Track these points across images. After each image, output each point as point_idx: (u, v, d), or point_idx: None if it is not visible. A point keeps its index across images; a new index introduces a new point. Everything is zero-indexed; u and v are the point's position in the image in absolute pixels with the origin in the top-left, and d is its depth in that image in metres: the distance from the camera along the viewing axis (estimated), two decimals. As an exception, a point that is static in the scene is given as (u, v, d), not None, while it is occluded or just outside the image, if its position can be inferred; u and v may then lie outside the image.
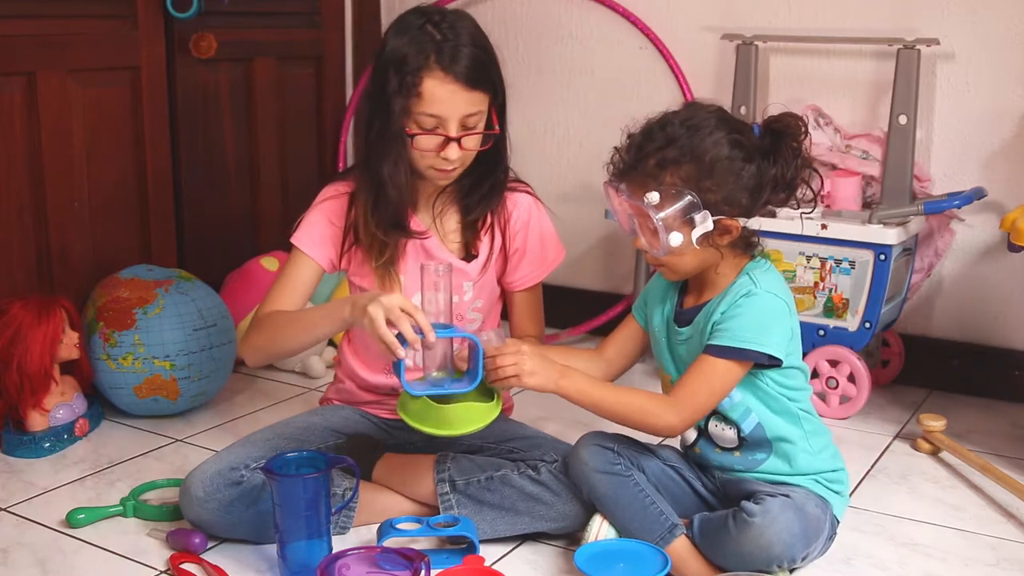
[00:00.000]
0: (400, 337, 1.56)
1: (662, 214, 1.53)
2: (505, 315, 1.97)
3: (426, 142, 1.70)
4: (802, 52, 2.57)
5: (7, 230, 2.26)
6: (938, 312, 2.54)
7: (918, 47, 2.32)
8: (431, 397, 1.60)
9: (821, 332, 2.33)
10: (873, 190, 2.43)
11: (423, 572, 1.47)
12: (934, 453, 2.16)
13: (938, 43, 2.35)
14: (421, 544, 1.72)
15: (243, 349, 1.82)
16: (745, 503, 1.55)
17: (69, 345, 2.13)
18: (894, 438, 2.25)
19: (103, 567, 1.68)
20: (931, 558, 1.74)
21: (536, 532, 1.75)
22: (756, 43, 2.53)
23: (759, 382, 1.61)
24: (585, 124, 2.90)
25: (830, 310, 2.31)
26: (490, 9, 2.94)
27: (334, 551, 1.57)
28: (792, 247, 2.32)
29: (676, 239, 1.54)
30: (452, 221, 1.86)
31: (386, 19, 3.12)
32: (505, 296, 1.94)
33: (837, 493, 1.66)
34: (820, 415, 1.71)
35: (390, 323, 1.56)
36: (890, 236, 2.23)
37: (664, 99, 2.48)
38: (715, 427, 1.65)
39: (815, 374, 2.32)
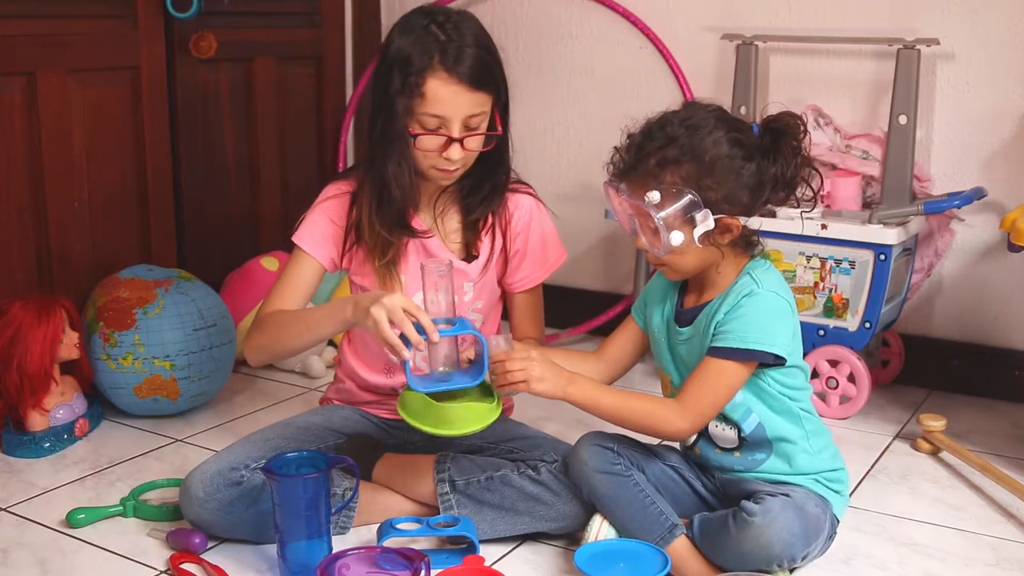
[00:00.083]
0: (404, 338, 1.56)
1: (663, 213, 1.53)
2: (505, 316, 1.97)
3: (429, 142, 1.70)
4: (802, 52, 2.57)
5: (7, 230, 2.26)
6: (938, 312, 2.54)
7: (918, 47, 2.32)
8: (432, 396, 1.60)
9: (821, 332, 2.33)
10: (873, 190, 2.43)
11: (423, 572, 1.47)
12: (934, 453, 2.16)
13: (938, 43, 2.35)
14: (421, 544, 1.72)
15: (245, 349, 1.82)
16: (745, 503, 1.55)
17: (69, 345, 2.13)
18: (894, 438, 2.25)
19: (103, 567, 1.68)
20: (931, 558, 1.74)
21: (536, 532, 1.75)
22: (756, 43, 2.53)
23: (760, 382, 1.61)
24: (585, 124, 2.90)
25: (830, 310, 2.31)
26: (490, 9, 2.94)
27: (334, 551, 1.57)
28: (792, 247, 2.32)
29: (677, 238, 1.54)
30: (453, 221, 1.86)
31: (386, 19, 3.12)
32: (505, 297, 1.94)
33: (837, 493, 1.66)
34: (820, 415, 1.71)
35: (393, 324, 1.56)
36: (890, 236, 2.23)
37: (664, 99, 2.48)
38: (715, 427, 1.65)
39: (815, 374, 2.32)
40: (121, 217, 2.49)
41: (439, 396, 1.60)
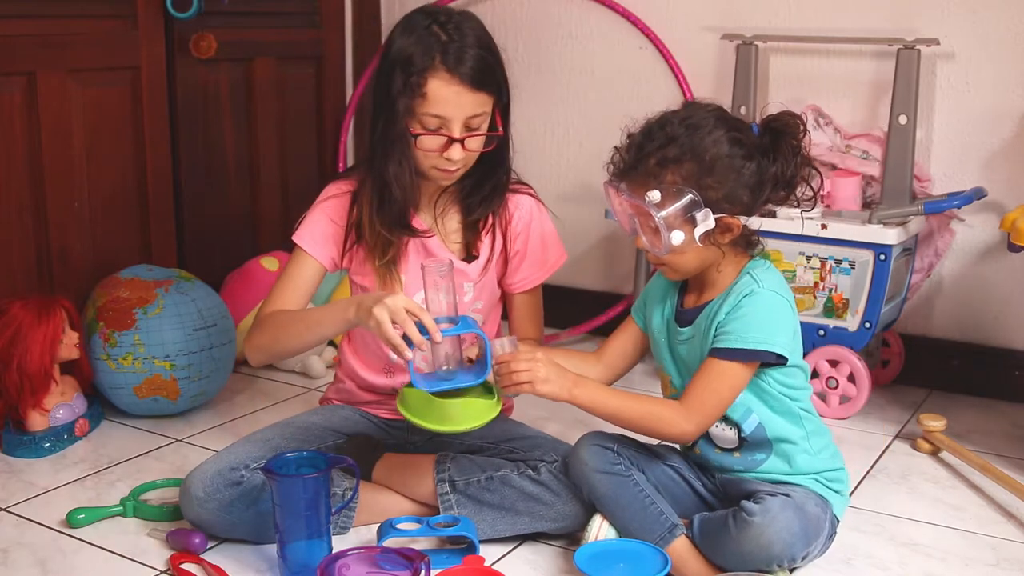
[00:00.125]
0: (407, 338, 1.56)
1: (663, 212, 1.53)
2: (504, 316, 1.97)
3: (430, 142, 1.70)
4: (802, 52, 2.57)
5: (7, 230, 2.26)
6: (938, 312, 2.54)
7: (918, 47, 2.32)
8: (433, 393, 1.60)
9: (821, 332, 2.33)
10: (873, 190, 2.43)
11: (423, 572, 1.47)
12: (934, 453, 2.16)
13: (938, 43, 2.35)
14: (421, 544, 1.72)
15: (246, 348, 1.82)
16: (745, 503, 1.55)
17: (69, 345, 2.13)
18: (894, 438, 2.25)
19: (103, 567, 1.68)
20: (931, 558, 1.74)
21: (536, 532, 1.75)
22: (756, 43, 2.53)
23: (761, 382, 1.61)
24: (585, 124, 2.90)
25: (830, 310, 2.31)
26: (490, 9, 2.94)
27: (334, 551, 1.57)
28: (792, 247, 2.32)
29: (678, 237, 1.54)
30: (454, 221, 1.86)
31: (386, 19, 3.12)
32: (505, 298, 1.94)
33: (837, 492, 1.66)
34: (820, 415, 1.71)
35: (396, 324, 1.56)
36: (890, 236, 2.23)
37: (664, 99, 2.48)
38: (715, 428, 1.65)
39: (815, 374, 2.32)
40: (121, 217, 2.49)
41: (440, 393, 1.61)
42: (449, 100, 1.67)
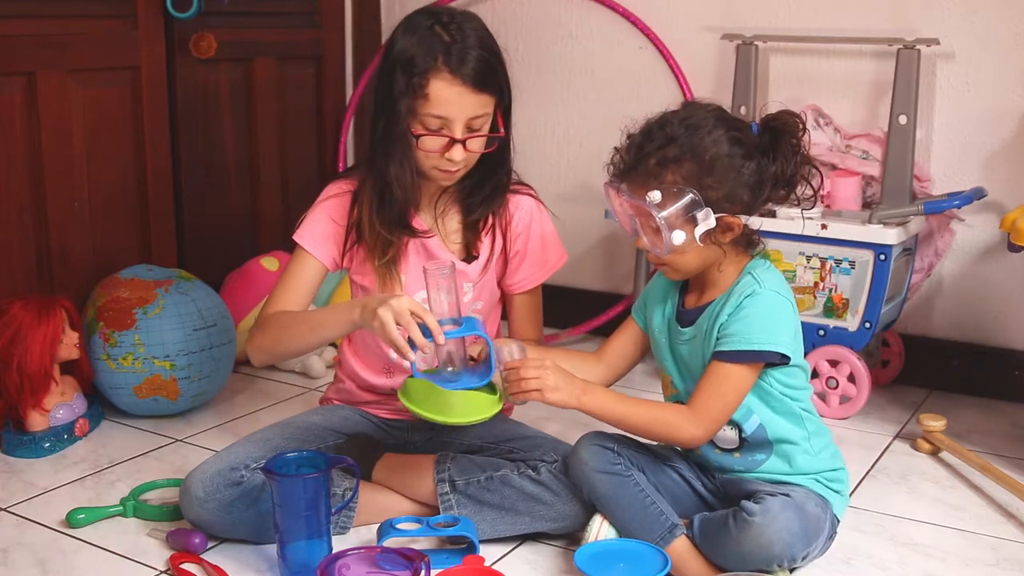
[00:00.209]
0: (411, 340, 1.56)
1: (664, 212, 1.53)
2: (504, 317, 1.97)
3: (431, 143, 1.70)
4: (802, 52, 2.57)
5: (7, 230, 2.26)
6: (938, 312, 2.54)
7: (918, 47, 2.32)
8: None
9: (821, 332, 2.33)
10: (873, 190, 2.43)
11: (423, 572, 1.47)
12: (934, 453, 2.16)
13: (938, 43, 2.35)
14: (421, 544, 1.72)
15: (248, 349, 1.82)
16: (745, 502, 1.55)
17: (69, 345, 2.13)
18: (894, 438, 2.25)
19: (103, 567, 1.68)
20: (931, 558, 1.74)
21: (536, 532, 1.75)
22: (756, 43, 2.53)
23: (762, 382, 1.61)
24: (585, 124, 2.90)
25: (830, 310, 2.31)
26: (491, 9, 2.94)
27: (334, 551, 1.57)
28: (792, 247, 2.32)
29: (679, 237, 1.54)
30: (454, 222, 1.86)
31: (386, 19, 3.12)
32: (504, 299, 1.94)
33: (837, 492, 1.66)
34: (820, 415, 1.71)
35: (400, 325, 1.56)
36: (890, 236, 2.23)
37: (664, 99, 2.48)
38: (716, 428, 1.65)
39: (815, 374, 2.32)
40: (121, 217, 2.49)
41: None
42: (451, 101, 1.67)
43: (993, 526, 1.85)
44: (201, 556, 1.68)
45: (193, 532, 1.71)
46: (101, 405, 2.28)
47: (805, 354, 1.80)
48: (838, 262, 2.29)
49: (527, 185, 1.91)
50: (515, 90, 1.78)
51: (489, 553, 1.70)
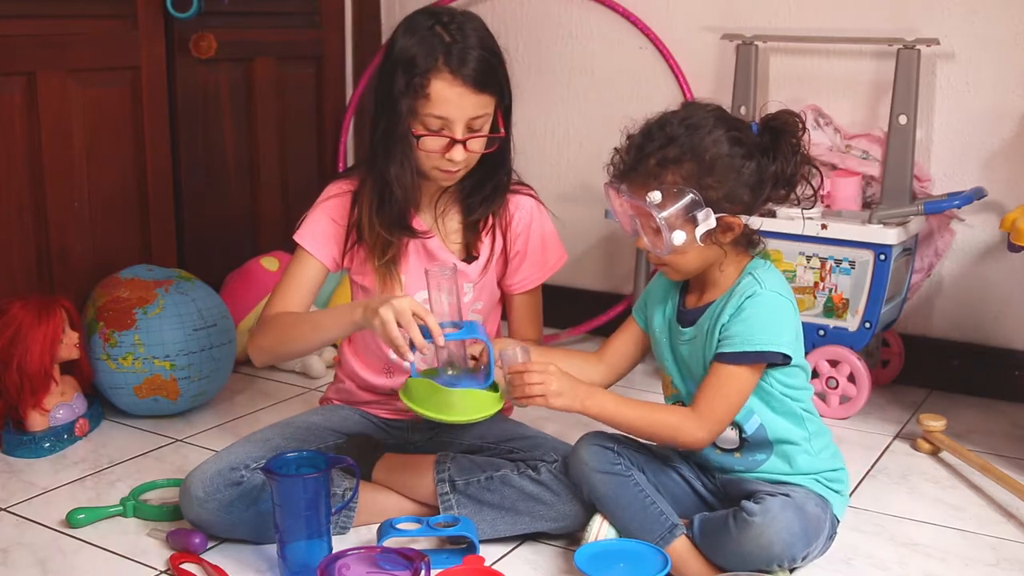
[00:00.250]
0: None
1: (665, 213, 1.53)
2: (504, 317, 1.97)
3: (432, 143, 1.70)
4: (802, 52, 2.57)
5: (7, 230, 2.26)
6: (938, 312, 2.54)
7: (918, 47, 2.32)
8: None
9: (821, 332, 2.33)
10: (873, 190, 2.43)
11: (423, 572, 1.47)
12: (934, 453, 2.16)
13: (938, 43, 2.35)
14: (421, 544, 1.72)
15: (249, 349, 1.82)
16: (745, 503, 1.55)
17: (69, 345, 2.13)
18: (894, 438, 2.25)
19: (103, 567, 1.68)
20: (931, 558, 1.74)
21: (536, 532, 1.75)
22: (756, 43, 2.53)
23: (763, 382, 1.61)
24: (585, 124, 2.90)
25: (830, 310, 2.31)
26: (491, 9, 2.94)
27: (334, 551, 1.57)
28: (792, 247, 2.32)
29: (679, 237, 1.54)
30: (454, 222, 1.86)
31: (386, 19, 3.12)
32: (504, 299, 1.94)
33: (837, 492, 1.66)
34: (820, 415, 1.71)
35: (401, 326, 1.56)
36: (890, 236, 2.23)
37: (664, 99, 2.48)
38: (717, 428, 1.65)
39: (815, 374, 2.32)
40: (121, 217, 2.49)
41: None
42: (452, 101, 1.67)
43: (993, 526, 1.85)
44: (201, 556, 1.68)
45: (193, 532, 1.71)
46: (101, 405, 2.28)
47: (805, 354, 1.80)
48: (838, 262, 2.29)
49: (527, 185, 1.91)
50: (515, 90, 1.78)
51: (489, 553, 1.70)
